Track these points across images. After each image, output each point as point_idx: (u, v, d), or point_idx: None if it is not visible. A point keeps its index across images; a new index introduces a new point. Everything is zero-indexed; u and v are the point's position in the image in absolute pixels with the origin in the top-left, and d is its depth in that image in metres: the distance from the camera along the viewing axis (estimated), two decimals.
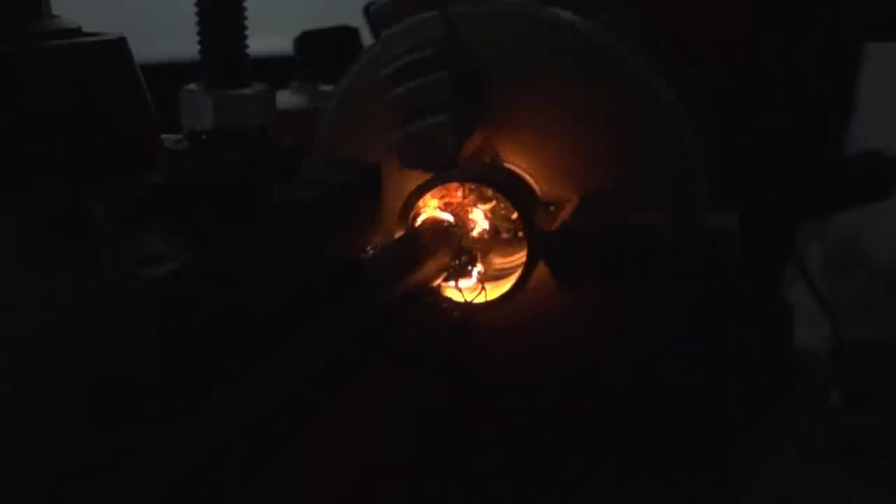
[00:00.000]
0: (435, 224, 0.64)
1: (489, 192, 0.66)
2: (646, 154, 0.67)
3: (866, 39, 0.89)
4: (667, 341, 0.70)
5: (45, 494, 0.36)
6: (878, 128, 0.98)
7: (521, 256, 0.66)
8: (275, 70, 0.50)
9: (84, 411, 0.39)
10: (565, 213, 0.66)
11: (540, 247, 0.65)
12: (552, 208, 0.68)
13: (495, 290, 0.65)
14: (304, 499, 0.81)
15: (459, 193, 0.66)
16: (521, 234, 0.66)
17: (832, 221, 1.18)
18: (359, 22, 0.97)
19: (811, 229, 1.05)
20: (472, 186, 0.66)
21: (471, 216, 0.66)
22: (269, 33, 0.57)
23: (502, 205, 0.67)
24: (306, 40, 0.96)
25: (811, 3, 0.80)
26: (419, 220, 0.65)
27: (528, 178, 0.68)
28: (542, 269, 0.66)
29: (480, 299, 0.65)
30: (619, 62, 0.67)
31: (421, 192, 0.65)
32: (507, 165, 0.68)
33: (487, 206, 0.67)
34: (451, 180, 0.65)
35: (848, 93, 0.91)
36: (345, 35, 0.95)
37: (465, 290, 0.65)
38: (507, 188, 0.65)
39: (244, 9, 0.47)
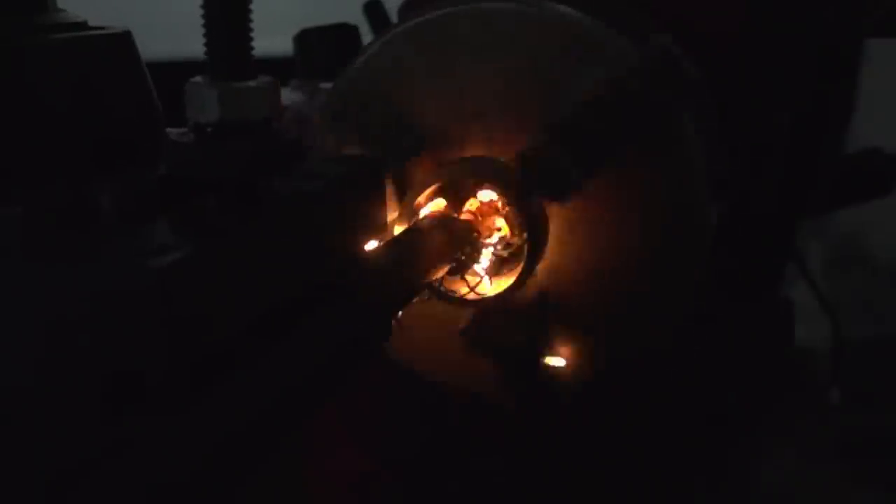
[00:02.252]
0: (438, 217, 0.64)
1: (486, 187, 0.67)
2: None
3: (867, 37, 0.89)
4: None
5: (50, 486, 0.36)
6: (878, 126, 0.98)
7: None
8: (275, 70, 0.50)
9: (90, 402, 0.39)
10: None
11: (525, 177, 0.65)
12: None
13: (499, 284, 0.66)
14: (304, 498, 0.81)
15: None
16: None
17: (832, 220, 1.18)
18: (358, 19, 0.97)
19: (811, 229, 1.05)
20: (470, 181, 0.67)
21: (473, 209, 0.66)
22: (268, 33, 0.57)
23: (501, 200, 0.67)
24: (306, 38, 0.96)
25: (812, 1, 0.80)
26: (423, 214, 0.65)
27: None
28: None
29: (485, 291, 0.65)
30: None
31: (417, 190, 0.65)
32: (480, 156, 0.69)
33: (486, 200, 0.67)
34: (444, 176, 0.66)
35: (848, 91, 0.91)
36: (344, 33, 0.95)
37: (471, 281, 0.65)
38: (499, 176, 0.66)
39: (249, 1, 0.47)
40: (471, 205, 0.67)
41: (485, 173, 0.66)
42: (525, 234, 0.65)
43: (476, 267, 0.65)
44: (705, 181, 0.68)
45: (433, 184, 0.66)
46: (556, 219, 0.68)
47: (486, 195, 0.67)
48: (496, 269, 0.67)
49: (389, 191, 0.65)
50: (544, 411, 0.74)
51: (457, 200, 0.66)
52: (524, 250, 0.66)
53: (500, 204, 0.67)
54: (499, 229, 0.67)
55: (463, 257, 0.63)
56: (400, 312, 0.58)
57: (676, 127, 0.67)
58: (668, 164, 0.67)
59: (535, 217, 0.66)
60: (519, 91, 0.68)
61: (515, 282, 0.66)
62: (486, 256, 0.66)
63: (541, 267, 0.68)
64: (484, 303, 0.66)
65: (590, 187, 0.67)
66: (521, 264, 0.66)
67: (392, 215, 0.65)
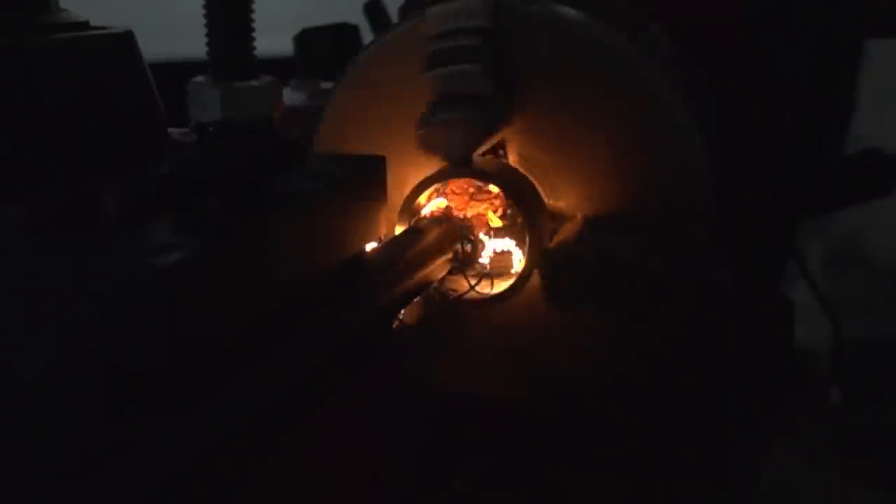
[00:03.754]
0: (439, 217, 0.64)
1: (495, 191, 0.66)
2: (660, 185, 0.67)
3: (867, 37, 0.89)
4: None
5: (54, 483, 0.36)
6: (878, 126, 0.98)
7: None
8: (275, 70, 0.50)
9: (92, 401, 0.39)
10: (566, 232, 0.66)
11: (537, 262, 0.64)
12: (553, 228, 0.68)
13: (500, 285, 0.66)
14: (304, 498, 0.81)
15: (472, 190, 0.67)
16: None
17: (832, 220, 1.18)
18: (358, 19, 0.97)
19: (811, 229, 1.05)
20: (481, 184, 0.66)
21: (475, 211, 0.66)
22: (268, 33, 0.57)
23: (507, 208, 0.67)
24: (306, 38, 0.96)
25: (812, 1, 0.80)
26: (424, 213, 0.65)
27: (536, 184, 0.68)
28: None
29: (486, 291, 0.65)
30: (648, 91, 0.66)
31: (428, 183, 0.65)
32: (518, 169, 0.68)
33: (491, 205, 0.67)
34: (460, 175, 0.66)
35: (848, 91, 0.91)
36: (345, 32, 0.95)
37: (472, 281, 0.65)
38: (516, 192, 0.65)
39: (251, 1, 0.47)
40: (471, 205, 0.66)
41: (493, 177, 0.66)
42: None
43: (477, 266, 0.65)
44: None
45: (435, 183, 0.66)
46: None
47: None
48: (499, 269, 0.67)
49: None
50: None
51: (457, 200, 0.66)
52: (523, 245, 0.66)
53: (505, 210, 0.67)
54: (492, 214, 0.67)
55: (463, 257, 0.63)
56: (401, 312, 0.58)
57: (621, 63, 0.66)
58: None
59: (543, 232, 0.66)
60: (597, 155, 0.67)
61: (511, 286, 0.66)
62: (487, 255, 0.65)
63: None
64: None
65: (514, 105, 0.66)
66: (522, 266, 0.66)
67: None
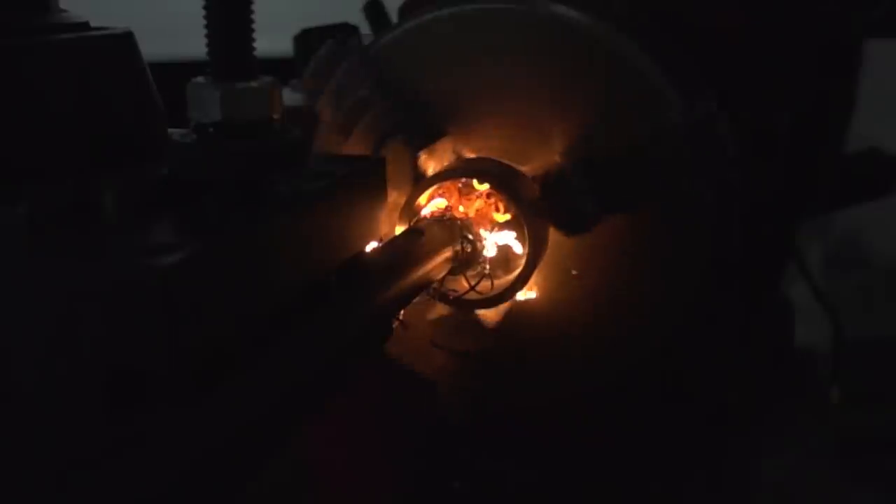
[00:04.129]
0: (439, 217, 0.64)
1: (483, 187, 0.67)
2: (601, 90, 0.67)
3: (866, 37, 0.89)
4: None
5: (55, 482, 0.36)
6: (878, 126, 0.98)
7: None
8: (275, 70, 0.50)
9: (93, 400, 0.39)
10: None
11: (543, 200, 0.65)
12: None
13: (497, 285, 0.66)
14: (305, 497, 0.81)
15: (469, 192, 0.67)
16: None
17: (832, 220, 1.18)
18: (358, 19, 0.97)
19: (811, 229, 1.05)
20: (462, 182, 0.67)
21: (470, 209, 0.66)
22: (268, 33, 0.57)
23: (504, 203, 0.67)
24: (306, 38, 0.96)
25: (813, 1, 0.80)
26: (423, 214, 0.65)
27: (512, 164, 0.68)
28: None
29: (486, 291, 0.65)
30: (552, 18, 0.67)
31: (427, 184, 0.65)
32: (512, 165, 0.69)
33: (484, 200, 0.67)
34: (458, 176, 0.66)
35: (848, 90, 0.91)
36: (345, 33, 0.95)
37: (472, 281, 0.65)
38: (509, 186, 0.66)
39: (251, 2, 0.47)
40: (472, 205, 0.67)
41: (488, 175, 0.66)
42: (526, 247, 0.66)
43: (476, 267, 0.65)
44: (709, 259, 0.69)
45: (434, 183, 0.66)
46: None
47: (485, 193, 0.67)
48: (493, 271, 0.67)
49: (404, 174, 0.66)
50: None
51: (458, 201, 0.66)
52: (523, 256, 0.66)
53: (501, 206, 0.67)
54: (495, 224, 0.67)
55: (463, 257, 0.64)
56: (401, 312, 0.58)
57: (695, 198, 0.67)
58: (677, 230, 0.68)
59: (540, 237, 0.66)
60: (544, 103, 0.68)
61: (509, 287, 0.66)
62: (486, 256, 0.66)
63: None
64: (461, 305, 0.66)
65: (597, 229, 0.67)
66: (517, 270, 0.66)
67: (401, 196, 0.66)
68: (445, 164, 0.69)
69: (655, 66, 0.67)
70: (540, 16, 0.68)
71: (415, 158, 0.68)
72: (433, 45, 0.70)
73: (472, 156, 0.69)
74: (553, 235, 0.68)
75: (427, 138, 0.69)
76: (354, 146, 0.70)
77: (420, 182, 0.66)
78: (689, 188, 0.67)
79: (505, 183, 0.66)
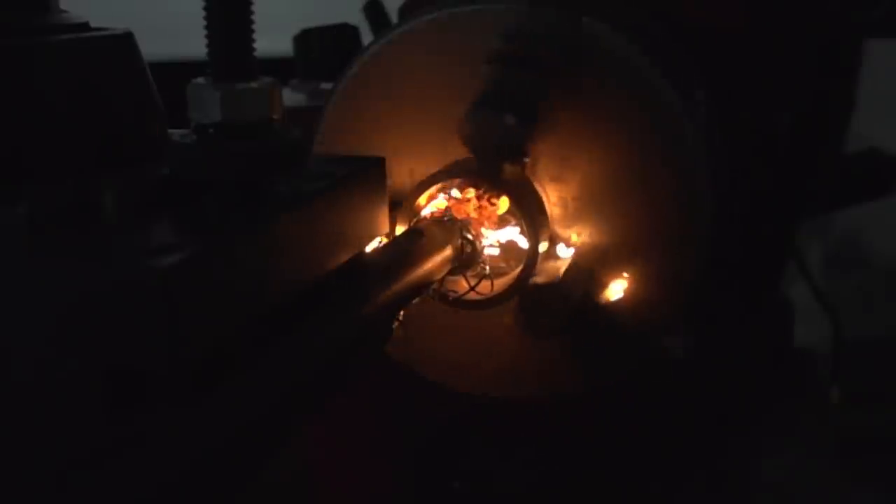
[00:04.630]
0: (439, 217, 0.64)
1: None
2: (662, 228, 0.68)
3: (866, 37, 0.89)
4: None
5: (55, 482, 0.36)
6: (878, 126, 0.98)
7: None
8: (275, 70, 0.50)
9: (92, 401, 0.39)
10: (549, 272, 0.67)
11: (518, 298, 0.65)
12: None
13: (501, 283, 0.66)
14: (305, 497, 0.81)
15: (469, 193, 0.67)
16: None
17: (832, 220, 1.18)
18: (358, 19, 0.97)
19: (811, 229, 1.05)
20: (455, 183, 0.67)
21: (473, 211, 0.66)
22: (268, 33, 0.57)
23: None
24: (306, 38, 0.96)
25: (813, 1, 0.80)
26: (424, 213, 0.65)
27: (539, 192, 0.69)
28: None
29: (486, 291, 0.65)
30: (667, 117, 0.67)
31: (429, 183, 0.65)
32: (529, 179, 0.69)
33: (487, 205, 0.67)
34: (456, 176, 0.66)
35: (848, 90, 0.91)
36: (344, 33, 0.95)
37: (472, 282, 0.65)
38: (522, 202, 0.66)
39: (251, 3, 0.47)
40: (472, 205, 0.66)
41: (467, 171, 0.66)
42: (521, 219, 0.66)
43: (477, 267, 0.65)
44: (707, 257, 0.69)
45: (434, 184, 0.66)
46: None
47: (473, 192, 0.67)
48: (498, 269, 0.67)
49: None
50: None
51: (457, 201, 0.66)
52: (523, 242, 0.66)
53: (496, 202, 0.67)
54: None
55: (464, 257, 0.63)
56: (401, 313, 0.58)
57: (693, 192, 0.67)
58: (675, 229, 0.68)
59: (517, 186, 0.66)
60: (612, 183, 0.68)
61: (511, 287, 0.66)
62: (488, 256, 0.66)
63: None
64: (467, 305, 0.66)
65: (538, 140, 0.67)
66: (524, 259, 0.66)
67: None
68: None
69: (653, 64, 0.67)
70: (536, 17, 0.68)
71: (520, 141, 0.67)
72: (427, 48, 0.70)
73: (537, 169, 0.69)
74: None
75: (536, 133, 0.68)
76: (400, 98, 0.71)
77: (417, 184, 0.66)
78: (687, 182, 0.67)
79: (500, 181, 0.66)
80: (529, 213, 0.65)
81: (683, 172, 0.67)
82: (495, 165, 0.66)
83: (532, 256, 0.65)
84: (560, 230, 0.69)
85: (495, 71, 0.66)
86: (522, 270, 0.66)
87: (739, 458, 0.88)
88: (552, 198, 0.69)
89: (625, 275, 0.69)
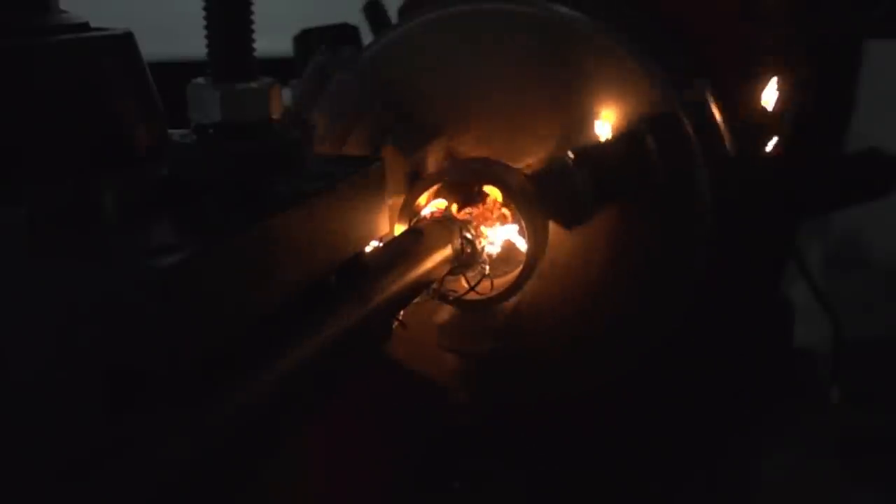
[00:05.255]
0: (439, 217, 0.64)
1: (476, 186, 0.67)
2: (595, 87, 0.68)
3: (866, 37, 0.89)
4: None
5: (55, 482, 0.36)
6: (878, 126, 0.98)
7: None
8: (275, 70, 0.50)
9: (93, 401, 0.39)
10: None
11: (538, 196, 0.65)
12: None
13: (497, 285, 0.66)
14: (305, 497, 0.81)
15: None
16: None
17: (832, 220, 1.18)
18: (358, 19, 0.97)
19: (811, 229, 1.05)
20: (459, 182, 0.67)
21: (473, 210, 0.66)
22: (268, 33, 0.57)
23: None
24: (306, 38, 0.96)
25: (812, 1, 0.80)
26: (423, 215, 0.65)
27: (506, 161, 0.69)
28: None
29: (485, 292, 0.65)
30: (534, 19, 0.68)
31: (427, 183, 0.65)
32: (511, 165, 0.69)
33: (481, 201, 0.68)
34: (455, 176, 0.66)
35: (848, 90, 0.91)
36: (344, 33, 0.95)
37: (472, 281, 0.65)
38: (500, 178, 0.66)
39: (251, 3, 0.47)
40: (472, 205, 0.67)
41: (489, 175, 0.66)
42: (526, 245, 0.66)
43: (476, 267, 0.65)
44: (703, 241, 0.69)
45: (434, 184, 0.66)
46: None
47: (488, 197, 0.67)
48: (493, 271, 0.67)
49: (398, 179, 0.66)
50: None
51: (457, 201, 0.66)
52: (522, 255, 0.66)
53: (502, 207, 0.67)
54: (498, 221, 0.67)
55: (463, 257, 0.64)
56: (401, 313, 0.58)
57: (689, 183, 0.67)
58: (669, 216, 0.68)
59: (540, 232, 0.66)
60: (537, 100, 0.68)
61: (509, 287, 0.66)
62: (486, 257, 0.66)
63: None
64: (466, 305, 0.67)
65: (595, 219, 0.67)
66: (518, 270, 0.66)
67: (399, 200, 0.66)
68: (442, 164, 0.69)
69: (646, 58, 0.67)
70: (533, 15, 0.68)
71: (409, 161, 0.68)
72: (428, 47, 0.70)
73: (468, 155, 0.69)
74: (552, 235, 0.68)
75: (419, 140, 0.68)
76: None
77: (416, 183, 0.66)
78: (684, 176, 0.67)
79: (500, 181, 0.66)
80: (530, 214, 0.65)
81: (683, 182, 0.68)
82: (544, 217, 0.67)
83: (532, 257, 0.65)
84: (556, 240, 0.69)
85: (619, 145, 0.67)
86: (522, 270, 0.66)
87: (739, 458, 0.88)
88: None
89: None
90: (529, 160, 0.68)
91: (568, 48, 0.67)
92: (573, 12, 0.68)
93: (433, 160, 0.69)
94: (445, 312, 0.69)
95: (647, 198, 0.68)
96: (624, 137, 0.66)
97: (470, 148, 0.69)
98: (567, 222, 0.67)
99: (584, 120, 0.67)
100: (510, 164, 0.68)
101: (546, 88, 0.68)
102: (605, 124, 0.67)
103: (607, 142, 0.66)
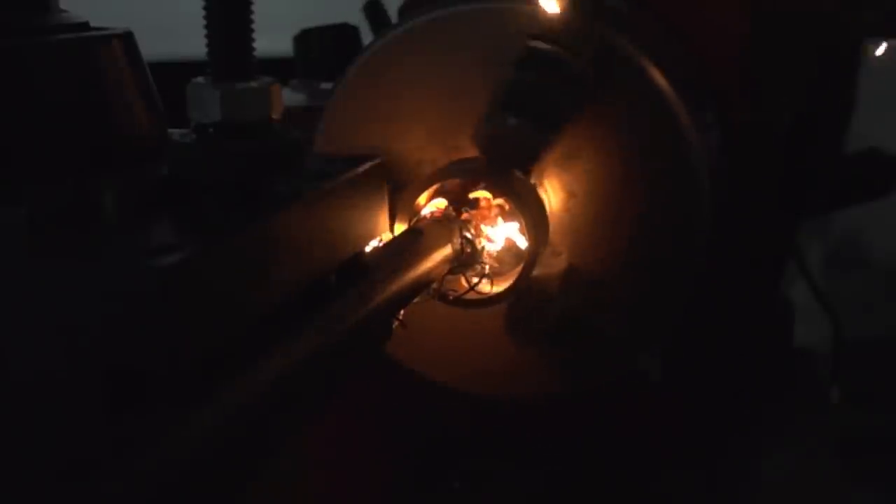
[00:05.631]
0: (439, 216, 0.64)
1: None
2: (661, 240, 0.69)
3: (866, 37, 0.89)
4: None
5: (55, 482, 0.36)
6: (878, 126, 0.98)
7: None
8: (275, 70, 0.50)
9: (92, 402, 0.39)
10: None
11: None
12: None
13: (500, 283, 0.66)
14: (305, 497, 0.81)
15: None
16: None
17: (832, 220, 1.18)
18: (358, 19, 0.97)
19: (811, 229, 1.05)
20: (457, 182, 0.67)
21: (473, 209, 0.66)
22: (268, 33, 0.57)
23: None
24: (306, 38, 0.96)
25: (812, 2, 0.80)
26: (422, 214, 0.65)
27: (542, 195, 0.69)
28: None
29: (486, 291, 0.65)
30: (677, 136, 0.67)
31: (428, 182, 0.65)
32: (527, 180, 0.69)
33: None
34: (455, 176, 0.66)
35: (848, 90, 0.91)
36: (345, 32, 0.95)
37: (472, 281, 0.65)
38: (503, 183, 0.66)
39: (251, 2, 0.47)
40: (472, 205, 0.66)
41: (474, 171, 0.66)
42: (522, 220, 0.66)
43: (476, 266, 0.65)
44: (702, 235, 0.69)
45: (433, 184, 0.66)
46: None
47: (481, 194, 0.67)
48: (498, 269, 0.67)
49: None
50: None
51: (457, 200, 0.66)
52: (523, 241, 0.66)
53: (496, 201, 0.67)
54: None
55: (463, 257, 0.64)
56: (401, 312, 0.58)
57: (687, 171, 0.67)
58: (667, 210, 0.68)
59: (524, 195, 0.66)
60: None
61: (510, 286, 0.66)
62: (487, 255, 0.66)
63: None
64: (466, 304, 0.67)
65: (553, 148, 0.67)
66: (523, 261, 0.66)
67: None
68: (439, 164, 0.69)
69: (668, 83, 0.67)
70: (540, 16, 0.68)
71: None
72: (430, 45, 0.70)
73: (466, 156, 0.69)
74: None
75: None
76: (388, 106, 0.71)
77: (415, 183, 0.66)
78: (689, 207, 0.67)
79: (497, 180, 0.66)
80: (531, 214, 0.65)
81: (688, 195, 0.68)
82: (505, 170, 0.66)
83: (532, 257, 0.65)
84: (558, 235, 0.69)
85: (523, 73, 0.66)
86: (522, 270, 0.66)
87: (739, 458, 0.88)
88: (553, 202, 0.69)
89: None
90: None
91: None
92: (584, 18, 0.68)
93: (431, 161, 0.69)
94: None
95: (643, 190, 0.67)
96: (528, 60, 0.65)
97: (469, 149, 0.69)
98: (528, 164, 0.66)
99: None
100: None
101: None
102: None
103: (519, 76, 0.65)
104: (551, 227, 0.68)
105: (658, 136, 0.68)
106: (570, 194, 0.69)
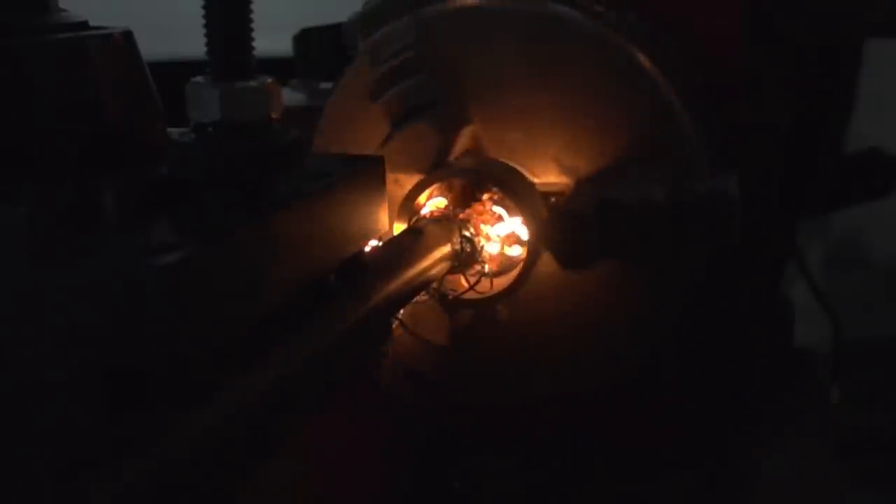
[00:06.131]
0: (439, 216, 0.64)
1: (490, 188, 0.67)
2: (634, 130, 0.67)
3: (866, 37, 0.89)
4: (676, 328, 0.71)
5: (55, 482, 0.36)
6: (878, 126, 0.98)
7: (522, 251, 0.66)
8: (275, 70, 0.50)
9: (92, 400, 0.39)
10: (560, 200, 0.66)
11: (542, 234, 0.65)
12: (552, 199, 0.68)
13: (499, 283, 0.66)
14: (305, 497, 0.81)
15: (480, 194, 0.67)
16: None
17: (832, 220, 1.18)
18: None
19: (811, 229, 1.05)
20: (472, 183, 0.67)
21: (473, 209, 0.66)
22: (268, 33, 0.57)
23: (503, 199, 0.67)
24: (306, 38, 0.96)
25: (812, 1, 0.80)
26: (422, 214, 0.65)
27: (523, 170, 0.68)
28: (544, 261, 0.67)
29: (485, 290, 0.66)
30: (597, 43, 0.67)
31: (421, 187, 0.65)
32: (500, 160, 0.68)
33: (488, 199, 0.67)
34: (447, 176, 0.66)
35: (848, 90, 0.91)
36: None
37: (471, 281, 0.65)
38: (505, 182, 0.66)
39: (251, 2, 0.47)
40: (471, 204, 0.67)
41: (494, 177, 0.66)
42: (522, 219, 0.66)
43: (476, 266, 0.65)
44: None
45: (433, 183, 0.66)
46: None
47: (481, 193, 0.67)
48: (496, 268, 0.67)
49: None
50: None
51: (457, 200, 0.66)
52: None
53: (501, 205, 0.67)
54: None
55: (463, 256, 0.64)
56: (401, 312, 0.58)
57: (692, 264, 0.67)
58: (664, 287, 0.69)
59: (524, 194, 0.66)
60: (568, 120, 0.67)
61: (510, 286, 0.66)
62: (487, 255, 0.66)
63: None
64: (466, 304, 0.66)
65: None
66: (520, 265, 0.66)
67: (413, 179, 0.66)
68: (461, 154, 0.69)
69: (692, 127, 0.67)
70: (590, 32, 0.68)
71: (438, 140, 0.68)
72: (474, 27, 0.69)
73: (489, 150, 0.69)
74: None
75: (453, 124, 0.68)
76: (376, 113, 0.70)
77: (420, 180, 0.66)
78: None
79: (511, 191, 0.66)
80: (532, 213, 0.65)
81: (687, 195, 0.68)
82: (505, 169, 0.66)
83: (532, 256, 0.65)
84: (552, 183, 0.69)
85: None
86: (522, 269, 0.66)
87: (739, 458, 0.88)
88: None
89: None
90: (546, 178, 0.68)
91: (617, 77, 0.67)
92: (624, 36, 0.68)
93: (459, 147, 0.69)
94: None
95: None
96: (656, 208, 0.64)
97: (491, 144, 0.69)
98: (565, 264, 0.66)
99: (614, 153, 0.67)
100: (527, 172, 0.68)
101: (585, 112, 0.67)
102: (637, 169, 0.66)
103: (639, 202, 0.64)
104: None
105: (658, 135, 0.68)
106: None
